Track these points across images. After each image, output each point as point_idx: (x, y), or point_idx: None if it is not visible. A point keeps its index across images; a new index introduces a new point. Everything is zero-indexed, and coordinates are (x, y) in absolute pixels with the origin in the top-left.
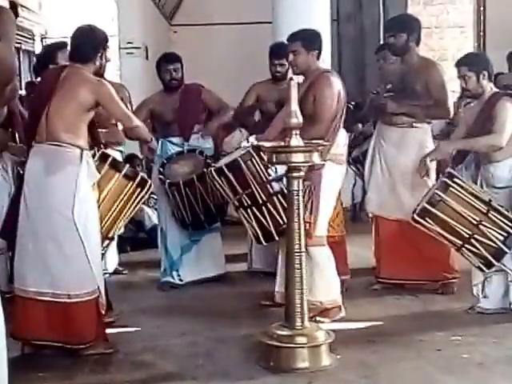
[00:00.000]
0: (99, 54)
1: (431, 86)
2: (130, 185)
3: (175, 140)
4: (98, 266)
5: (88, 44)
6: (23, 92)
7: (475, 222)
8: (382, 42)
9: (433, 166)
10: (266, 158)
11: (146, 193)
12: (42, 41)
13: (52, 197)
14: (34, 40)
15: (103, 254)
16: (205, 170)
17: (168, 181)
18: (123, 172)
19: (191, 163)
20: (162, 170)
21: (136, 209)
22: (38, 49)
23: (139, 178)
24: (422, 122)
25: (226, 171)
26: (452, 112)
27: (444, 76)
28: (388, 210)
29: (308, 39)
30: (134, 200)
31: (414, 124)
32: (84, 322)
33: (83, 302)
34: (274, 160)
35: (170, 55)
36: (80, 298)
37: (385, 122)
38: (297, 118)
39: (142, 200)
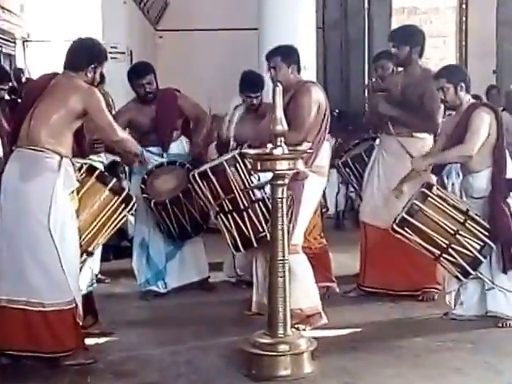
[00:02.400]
0: (93, 67)
1: (425, 98)
2: (114, 200)
3: (154, 150)
4: (73, 276)
5: (83, 54)
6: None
7: (452, 232)
8: (367, 51)
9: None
10: (250, 164)
11: (130, 210)
12: (23, 44)
13: (28, 203)
14: (15, 43)
15: (81, 269)
16: (189, 185)
17: (153, 200)
18: (109, 186)
19: (174, 178)
20: (143, 186)
21: (118, 225)
22: (19, 52)
23: (125, 193)
24: (423, 132)
25: (210, 174)
26: (438, 127)
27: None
28: (380, 219)
29: (286, 54)
30: (118, 216)
31: (414, 134)
32: (61, 331)
33: (59, 311)
34: (259, 167)
35: (140, 68)
36: (55, 307)
37: (386, 132)
38: (282, 125)
39: (125, 217)
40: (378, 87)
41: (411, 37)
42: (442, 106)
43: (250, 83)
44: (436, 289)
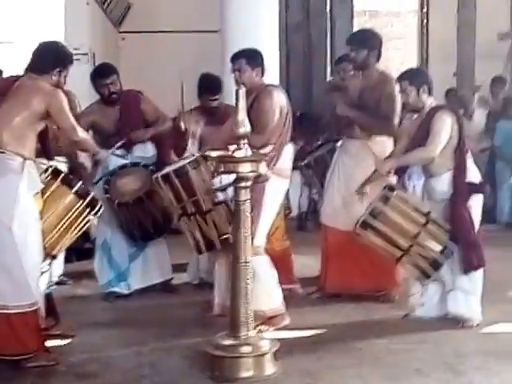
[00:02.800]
0: (58, 70)
1: (382, 101)
2: (79, 203)
3: (118, 151)
4: (35, 279)
5: (48, 57)
6: None
7: (413, 234)
8: (329, 54)
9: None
10: (213, 167)
11: (96, 213)
12: None
13: None
14: None
15: (43, 272)
16: (152, 186)
17: (116, 201)
18: (74, 189)
19: (137, 179)
20: (107, 187)
21: (83, 228)
22: None
23: (90, 197)
24: (382, 135)
25: (173, 177)
26: (395, 129)
27: (397, 92)
28: (341, 221)
29: (251, 57)
30: (82, 219)
31: (373, 137)
32: (23, 333)
33: (22, 314)
34: (222, 169)
35: (104, 68)
36: (18, 310)
37: (346, 135)
38: (244, 128)
39: (90, 220)
40: (333, 86)
41: (369, 40)
42: (399, 109)
43: (210, 86)
44: (396, 290)
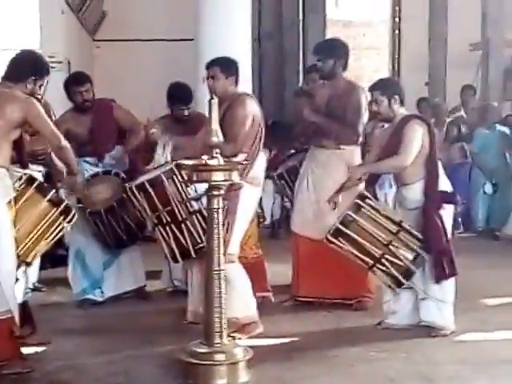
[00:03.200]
0: (33, 78)
1: (348, 109)
2: (53, 211)
3: (90, 160)
4: (10, 287)
5: (24, 65)
6: None
7: (386, 242)
8: (302, 63)
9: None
10: (186, 176)
11: (70, 221)
12: None
13: None
14: None
15: (18, 279)
16: (124, 194)
17: (88, 210)
18: (48, 197)
19: (109, 187)
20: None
21: (57, 236)
22: None
23: (63, 205)
24: (349, 145)
25: (148, 187)
26: (359, 136)
27: (363, 101)
28: (311, 230)
29: (226, 65)
30: (57, 227)
31: (342, 146)
32: None
33: None
34: (195, 178)
35: (78, 76)
36: None
37: (315, 144)
38: (217, 137)
39: (64, 228)
40: (302, 92)
41: (335, 50)
42: (365, 117)
43: (182, 96)
44: (369, 297)
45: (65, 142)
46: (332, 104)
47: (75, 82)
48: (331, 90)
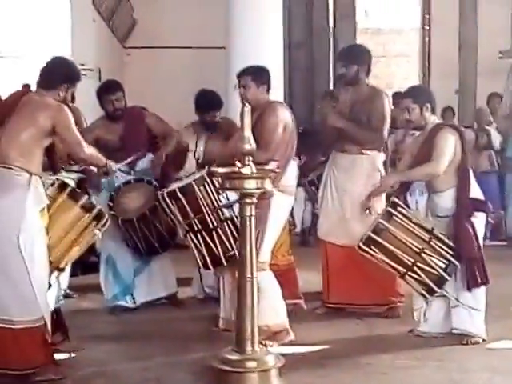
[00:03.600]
0: (65, 86)
1: (372, 114)
2: (86, 217)
3: (122, 167)
4: (43, 294)
5: (56, 73)
6: None
7: (418, 250)
8: (332, 71)
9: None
10: (218, 183)
11: (102, 226)
12: None
13: None
14: None
15: (51, 285)
16: (156, 202)
17: (121, 218)
18: (80, 203)
19: (141, 195)
20: (111, 204)
21: (90, 242)
22: None
23: (96, 211)
24: (372, 150)
25: (179, 194)
26: (384, 141)
27: (387, 107)
28: (337, 235)
29: (257, 74)
30: (89, 233)
31: (364, 151)
32: (30, 348)
33: (28, 329)
34: (227, 186)
35: (110, 85)
36: (24, 325)
37: (337, 149)
38: (250, 144)
39: (96, 234)
40: (329, 93)
41: (358, 56)
42: (388, 122)
43: (211, 102)
44: (399, 302)
45: (88, 152)
46: (355, 109)
47: (106, 91)
48: (354, 95)
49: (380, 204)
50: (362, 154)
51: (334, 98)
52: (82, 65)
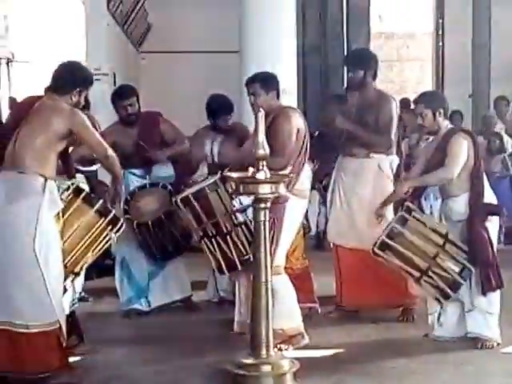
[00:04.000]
0: (78, 90)
1: (380, 118)
2: (101, 221)
3: (137, 172)
4: (57, 298)
5: (69, 77)
6: None
7: (432, 255)
8: (346, 74)
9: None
10: (231, 188)
11: (118, 231)
12: (7, 64)
13: (13, 225)
14: None
15: (66, 290)
16: (171, 207)
17: (136, 221)
18: (95, 208)
19: (156, 199)
20: (126, 207)
21: (105, 246)
22: (3, 72)
23: (111, 215)
24: (379, 153)
25: (192, 200)
26: (391, 144)
27: (395, 111)
28: (347, 239)
29: (265, 81)
30: (104, 237)
31: (371, 154)
32: (44, 351)
33: (43, 333)
34: (241, 190)
35: (123, 91)
36: (39, 329)
37: (344, 153)
38: (264, 150)
39: (111, 238)
40: (336, 95)
41: (365, 61)
42: (395, 126)
43: (223, 106)
44: (414, 303)
45: (111, 152)
46: (362, 113)
47: (120, 96)
48: (361, 99)
49: (389, 210)
50: (369, 157)
51: (343, 100)
52: (97, 69)
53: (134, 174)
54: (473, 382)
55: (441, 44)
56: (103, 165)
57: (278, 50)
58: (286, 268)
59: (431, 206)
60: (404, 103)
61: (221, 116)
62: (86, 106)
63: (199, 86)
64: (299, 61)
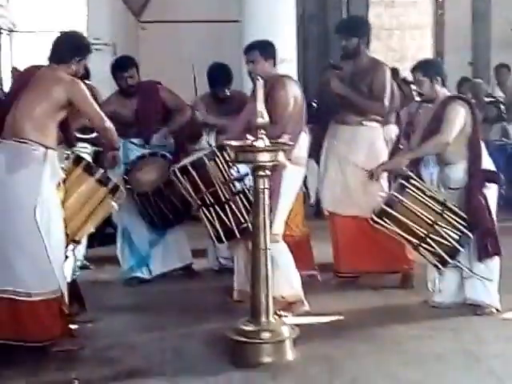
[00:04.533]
0: (77, 59)
1: (374, 84)
2: (101, 190)
3: (136, 141)
4: (59, 266)
5: (68, 47)
6: None
7: (431, 222)
8: None
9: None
10: (230, 157)
11: (118, 199)
12: (8, 35)
13: (14, 195)
14: (0, 34)
15: (67, 257)
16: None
17: (136, 191)
18: (96, 177)
19: (156, 169)
20: (126, 177)
21: (105, 214)
22: (4, 42)
23: (111, 184)
24: (372, 121)
25: (191, 169)
26: (385, 111)
27: (389, 78)
28: (342, 206)
29: (264, 48)
30: (104, 205)
31: (364, 122)
32: (47, 319)
33: (45, 301)
34: (241, 159)
35: (123, 61)
36: (41, 297)
37: (336, 121)
38: (263, 118)
39: (111, 206)
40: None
41: (358, 28)
42: (389, 92)
43: (221, 77)
44: (411, 268)
45: (109, 123)
46: (356, 80)
47: (119, 68)
48: (355, 67)
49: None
50: (362, 125)
51: (338, 67)
52: (98, 39)
53: (133, 144)
54: (471, 347)
55: (440, 12)
56: (100, 135)
57: (277, 18)
58: (286, 235)
59: (432, 174)
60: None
61: (219, 86)
62: (86, 76)
63: (200, 55)
64: (299, 29)
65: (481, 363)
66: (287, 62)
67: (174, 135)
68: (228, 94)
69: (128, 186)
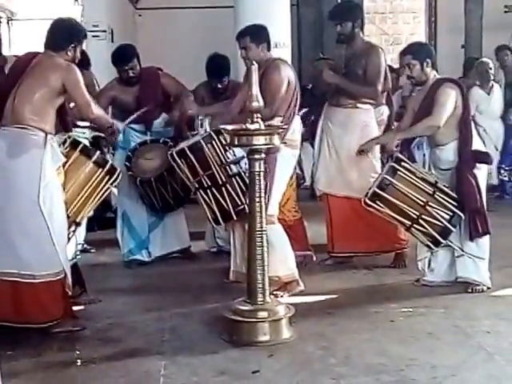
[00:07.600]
0: (73, 46)
1: (368, 68)
2: (99, 172)
3: (137, 127)
4: (62, 248)
5: (63, 33)
6: None
7: (422, 203)
8: None
9: (376, 147)
10: (226, 140)
11: (115, 180)
12: (8, 23)
13: (16, 180)
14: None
15: (69, 239)
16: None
17: (139, 178)
18: (93, 159)
19: (158, 156)
20: (128, 164)
21: (104, 195)
22: (3, 30)
23: (109, 165)
24: (366, 104)
25: (188, 153)
26: (379, 95)
27: (383, 61)
28: (336, 187)
29: (255, 34)
30: (103, 187)
31: (358, 105)
32: (49, 301)
33: (48, 283)
34: (236, 142)
35: (123, 54)
36: (45, 279)
37: (331, 103)
38: (258, 102)
39: (110, 187)
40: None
41: (352, 12)
42: (383, 75)
43: (218, 69)
44: (404, 248)
45: (96, 112)
46: (351, 64)
47: (120, 61)
48: (349, 50)
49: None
50: (357, 107)
51: (329, 59)
52: (95, 26)
53: (134, 130)
54: (462, 324)
55: None
56: (91, 123)
57: (272, 2)
58: (279, 219)
59: (424, 155)
60: None
61: (216, 77)
62: (87, 64)
63: (196, 41)
64: (293, 13)
65: (471, 339)
66: (282, 47)
67: (178, 121)
68: (224, 85)
69: (130, 173)
